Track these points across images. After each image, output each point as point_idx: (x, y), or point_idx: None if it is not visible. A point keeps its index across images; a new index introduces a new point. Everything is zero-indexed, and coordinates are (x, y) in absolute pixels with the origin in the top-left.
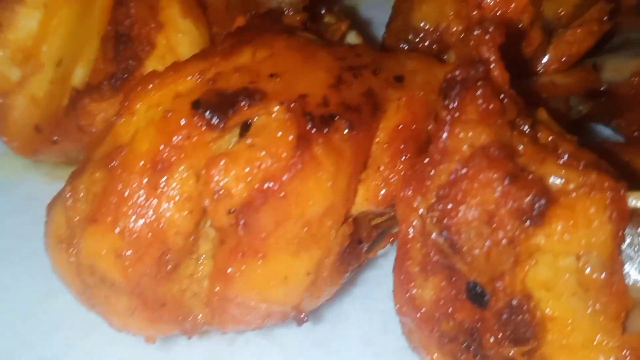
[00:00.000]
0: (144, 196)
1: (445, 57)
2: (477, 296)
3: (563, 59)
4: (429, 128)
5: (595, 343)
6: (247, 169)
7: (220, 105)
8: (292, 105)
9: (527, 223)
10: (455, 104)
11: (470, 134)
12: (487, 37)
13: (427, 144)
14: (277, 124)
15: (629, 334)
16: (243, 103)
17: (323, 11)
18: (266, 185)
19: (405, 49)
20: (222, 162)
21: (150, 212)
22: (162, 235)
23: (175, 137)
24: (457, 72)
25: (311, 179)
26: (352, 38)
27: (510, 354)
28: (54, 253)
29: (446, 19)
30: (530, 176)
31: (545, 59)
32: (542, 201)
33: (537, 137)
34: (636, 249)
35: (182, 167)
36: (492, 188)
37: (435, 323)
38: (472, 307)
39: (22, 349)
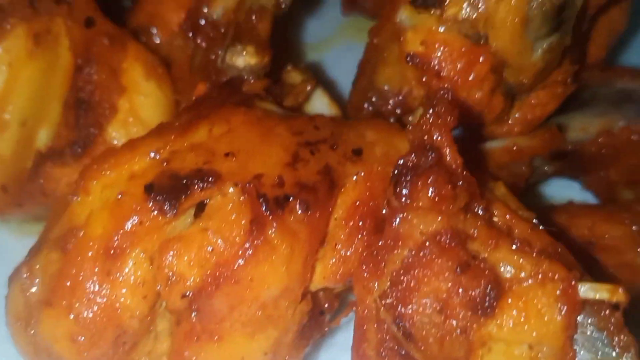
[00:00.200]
0: (98, 282)
1: (410, 118)
2: None
3: (527, 122)
4: (383, 212)
5: None
6: (200, 255)
7: (173, 189)
8: (246, 187)
9: (479, 313)
10: (407, 191)
11: (422, 221)
12: (439, 120)
13: (384, 220)
14: (231, 207)
15: None
16: (197, 187)
17: (289, 67)
18: (219, 271)
19: (370, 109)
20: (175, 247)
21: (104, 298)
22: (117, 319)
23: (128, 222)
24: (409, 158)
25: (265, 263)
26: (318, 96)
27: None
28: (14, 330)
29: (408, 84)
30: (482, 264)
31: (508, 123)
32: (493, 292)
33: (492, 219)
34: (588, 338)
35: (135, 253)
36: (444, 277)
37: None
38: None
39: None
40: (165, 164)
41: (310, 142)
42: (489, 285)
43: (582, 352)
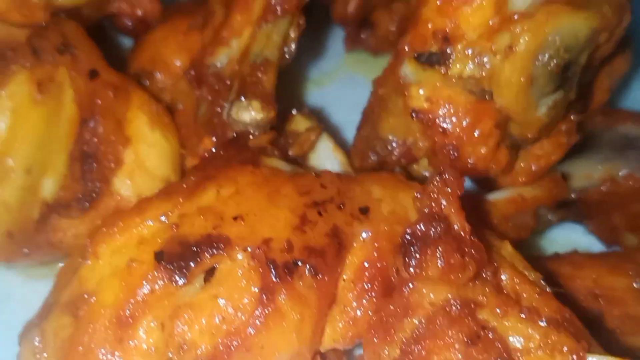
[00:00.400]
0: (110, 349)
1: (415, 167)
2: None
3: (531, 173)
4: (391, 274)
5: None
6: (211, 322)
7: (183, 257)
8: (256, 252)
9: None
10: (416, 262)
11: (432, 291)
12: (446, 188)
13: (393, 283)
14: (241, 274)
15: None
16: (207, 253)
17: (294, 113)
18: (230, 339)
19: (374, 159)
20: (185, 315)
21: None
22: None
23: (140, 290)
24: (417, 228)
25: (276, 330)
26: (323, 142)
27: None
28: None
29: (413, 135)
30: (492, 334)
31: (512, 173)
32: None
33: (500, 284)
34: None
35: (146, 320)
36: (455, 349)
37: None
38: None
39: None
40: (174, 228)
41: (318, 202)
42: (499, 358)
43: None
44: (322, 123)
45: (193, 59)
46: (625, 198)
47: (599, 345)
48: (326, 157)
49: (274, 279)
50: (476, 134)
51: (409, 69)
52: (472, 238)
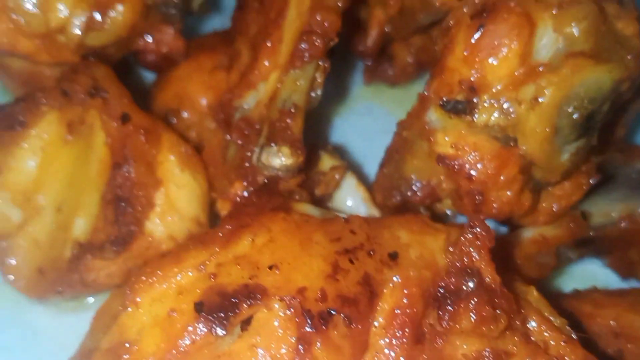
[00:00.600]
0: None
1: (438, 205)
2: None
3: (552, 213)
4: (425, 330)
5: None
6: None
7: (222, 307)
8: (291, 301)
9: None
10: (449, 315)
11: (465, 343)
12: (477, 242)
13: (423, 329)
14: (278, 323)
15: None
16: (245, 304)
17: (319, 152)
18: None
19: (398, 199)
20: None
21: None
22: None
23: (181, 340)
24: (450, 282)
25: None
26: (347, 180)
27: None
28: None
29: (437, 177)
30: None
31: (534, 214)
32: None
33: (528, 332)
34: None
35: None
36: None
37: None
38: None
39: None
40: (212, 278)
41: (349, 249)
42: None
43: None
44: (343, 156)
45: (221, 100)
46: None
47: None
48: (349, 192)
49: (309, 329)
50: (501, 179)
51: (434, 116)
52: (503, 289)
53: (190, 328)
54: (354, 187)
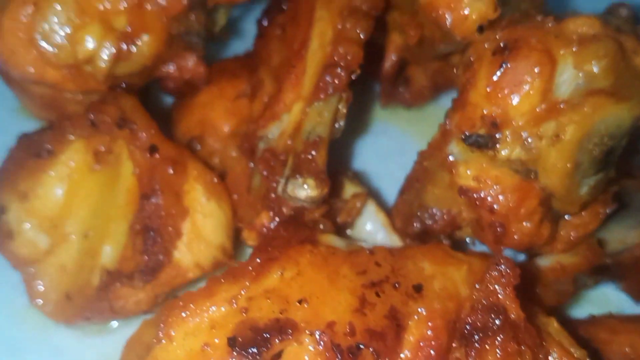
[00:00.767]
0: None
1: (457, 232)
2: None
3: (569, 241)
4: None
5: None
6: None
7: (254, 342)
8: (321, 336)
9: None
10: (475, 352)
11: None
12: (502, 279)
13: None
14: (308, 358)
15: None
16: (276, 339)
17: (342, 178)
18: None
19: (418, 227)
20: None
21: None
22: None
23: None
24: (477, 319)
25: None
26: (369, 206)
27: None
28: None
29: (457, 206)
30: None
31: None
32: None
33: None
34: None
35: None
36: None
37: None
38: None
39: None
40: (244, 312)
41: (375, 282)
42: None
43: None
44: (361, 179)
45: (245, 130)
46: None
47: None
48: (368, 217)
49: None
50: (522, 211)
51: (456, 149)
52: (527, 325)
53: None
54: (374, 212)
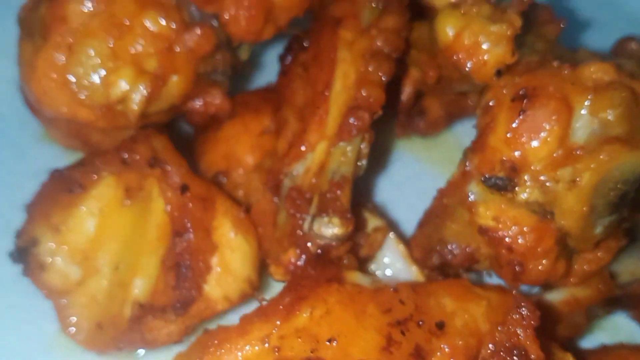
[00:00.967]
0: None
1: (476, 266)
2: None
3: (582, 275)
4: None
5: None
6: None
7: None
8: None
9: None
10: None
11: None
12: (523, 322)
13: None
14: None
15: None
16: None
17: (364, 211)
18: None
19: (437, 261)
20: None
21: None
22: None
23: None
24: (500, 358)
25: None
26: (390, 241)
27: None
28: None
29: (476, 242)
30: None
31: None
32: None
33: None
34: None
35: None
36: None
37: None
38: None
39: None
40: (276, 351)
41: (400, 320)
42: None
43: None
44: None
45: (270, 169)
46: None
47: None
48: (388, 248)
49: None
50: (539, 250)
51: (476, 189)
52: None
53: None
54: (394, 244)
